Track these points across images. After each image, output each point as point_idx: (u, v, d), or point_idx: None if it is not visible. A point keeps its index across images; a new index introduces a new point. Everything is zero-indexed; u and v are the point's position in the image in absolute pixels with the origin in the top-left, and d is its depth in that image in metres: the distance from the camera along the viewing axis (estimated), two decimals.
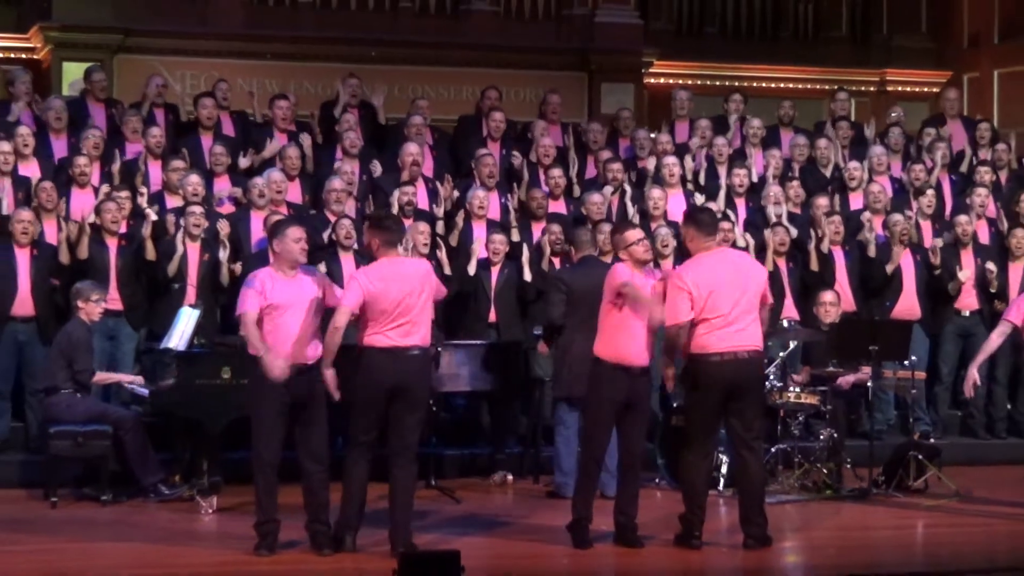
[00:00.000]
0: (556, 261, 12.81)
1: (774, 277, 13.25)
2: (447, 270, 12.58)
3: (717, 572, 9.24)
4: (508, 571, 8.73)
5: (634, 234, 9.72)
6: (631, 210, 13.57)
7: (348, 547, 9.09)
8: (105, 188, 12.79)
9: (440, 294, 9.58)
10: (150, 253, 12.19)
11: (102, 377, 11.55)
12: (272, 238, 9.35)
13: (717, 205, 13.74)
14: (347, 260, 12.62)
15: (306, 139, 13.89)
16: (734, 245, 13.30)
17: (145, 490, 11.18)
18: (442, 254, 12.72)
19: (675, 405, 12.30)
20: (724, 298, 9.38)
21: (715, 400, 9.43)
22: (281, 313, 8.97)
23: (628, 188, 13.95)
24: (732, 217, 13.78)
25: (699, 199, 13.88)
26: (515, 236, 13.17)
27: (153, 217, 12.31)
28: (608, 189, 13.73)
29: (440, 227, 13.20)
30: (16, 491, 11.70)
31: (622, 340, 9.46)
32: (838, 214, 13.94)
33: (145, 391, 11.49)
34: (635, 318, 9.38)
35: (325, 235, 12.71)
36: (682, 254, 12.58)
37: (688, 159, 14.52)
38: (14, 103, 14.26)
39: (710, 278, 9.37)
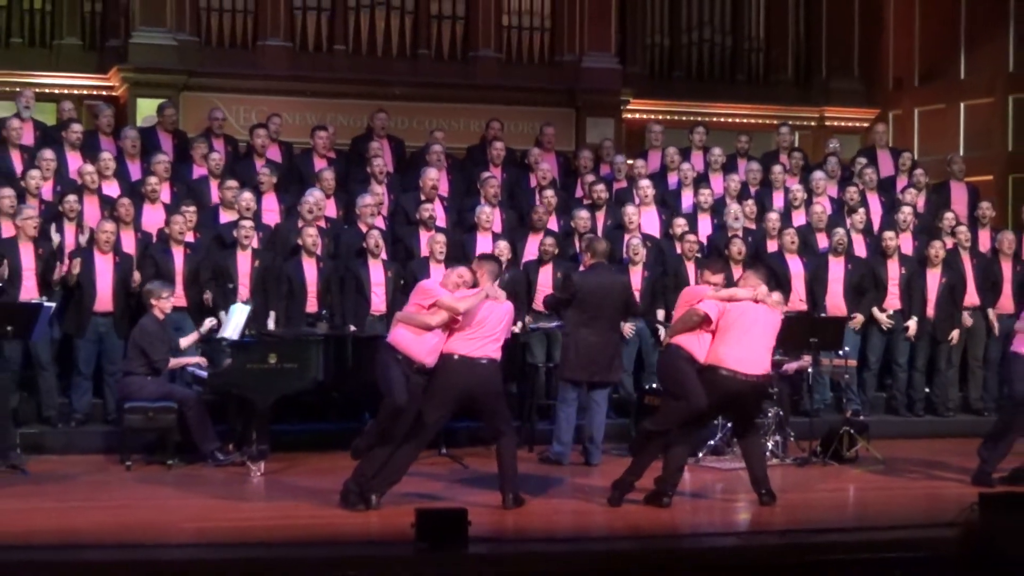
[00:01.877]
0: (550, 266, 12.81)
1: (731, 283, 13.35)
2: None
3: (683, 526, 9.23)
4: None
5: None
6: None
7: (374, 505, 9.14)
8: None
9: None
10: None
11: (173, 362, 11.57)
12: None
13: (683, 221, 13.77)
14: (375, 265, 12.64)
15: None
16: (699, 254, 13.36)
17: (204, 456, 11.18)
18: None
19: (647, 388, 12.39)
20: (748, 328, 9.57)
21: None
22: None
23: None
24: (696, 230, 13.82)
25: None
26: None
27: None
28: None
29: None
30: (96, 457, 11.70)
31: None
32: (792, 228, 13.96)
33: (205, 373, 11.52)
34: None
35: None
36: (648, 264, 12.80)
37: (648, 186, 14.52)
38: (100, 133, 14.33)
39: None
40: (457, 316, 9.23)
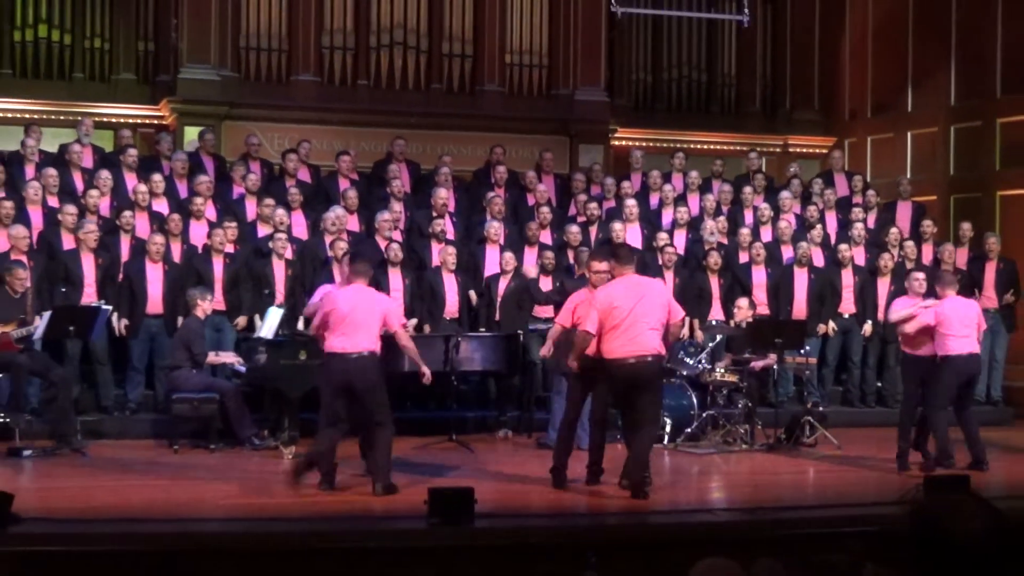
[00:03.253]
0: (550, 278, 12.79)
1: (705, 290, 13.37)
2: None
3: (663, 504, 9.22)
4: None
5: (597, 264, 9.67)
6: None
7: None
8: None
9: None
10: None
11: (213, 359, 11.57)
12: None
13: (664, 235, 13.78)
14: (394, 274, 12.64)
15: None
16: (678, 265, 13.38)
17: (242, 441, 11.20)
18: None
19: None
20: (626, 312, 9.01)
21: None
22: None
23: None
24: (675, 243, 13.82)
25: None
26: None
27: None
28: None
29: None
30: (147, 441, 11.74)
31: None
32: (759, 241, 13.97)
33: (243, 368, 11.53)
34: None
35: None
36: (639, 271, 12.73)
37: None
38: (162, 158, 14.36)
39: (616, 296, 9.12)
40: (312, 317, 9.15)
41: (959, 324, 10.37)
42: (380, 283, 12.42)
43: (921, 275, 11.17)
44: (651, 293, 9.22)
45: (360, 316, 9.06)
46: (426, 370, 9.57)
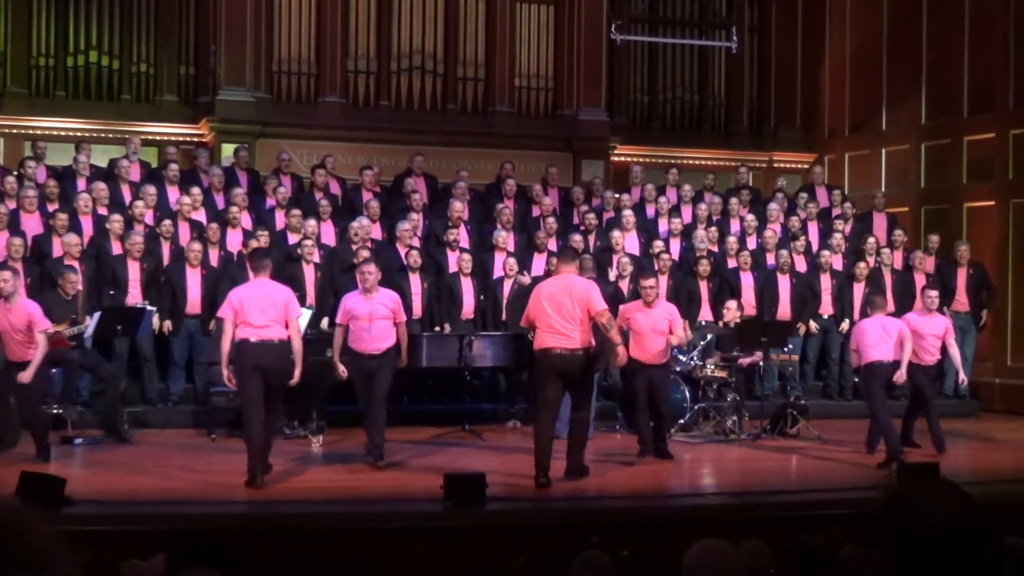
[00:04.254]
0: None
1: (695, 293, 13.36)
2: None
3: (658, 488, 9.22)
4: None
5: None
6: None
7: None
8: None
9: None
10: None
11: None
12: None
13: (660, 243, 13.77)
14: (413, 278, 12.65)
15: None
16: (672, 270, 13.37)
17: (275, 431, 11.20)
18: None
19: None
20: (553, 307, 8.87)
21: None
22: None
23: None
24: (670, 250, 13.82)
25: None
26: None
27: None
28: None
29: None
30: (187, 430, 11.76)
31: None
32: (746, 249, 13.96)
33: None
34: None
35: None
36: (633, 276, 12.73)
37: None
38: (200, 172, 14.41)
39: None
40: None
41: (876, 337, 10.59)
42: (401, 286, 12.46)
43: (934, 293, 11.46)
44: (574, 289, 8.98)
45: (263, 306, 8.88)
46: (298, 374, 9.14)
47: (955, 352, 11.30)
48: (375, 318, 9.61)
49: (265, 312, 8.85)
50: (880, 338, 10.60)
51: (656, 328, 10.41)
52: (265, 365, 8.81)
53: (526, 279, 12.57)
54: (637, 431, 10.56)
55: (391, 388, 9.88)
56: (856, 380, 13.87)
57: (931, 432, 10.85)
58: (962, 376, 11.87)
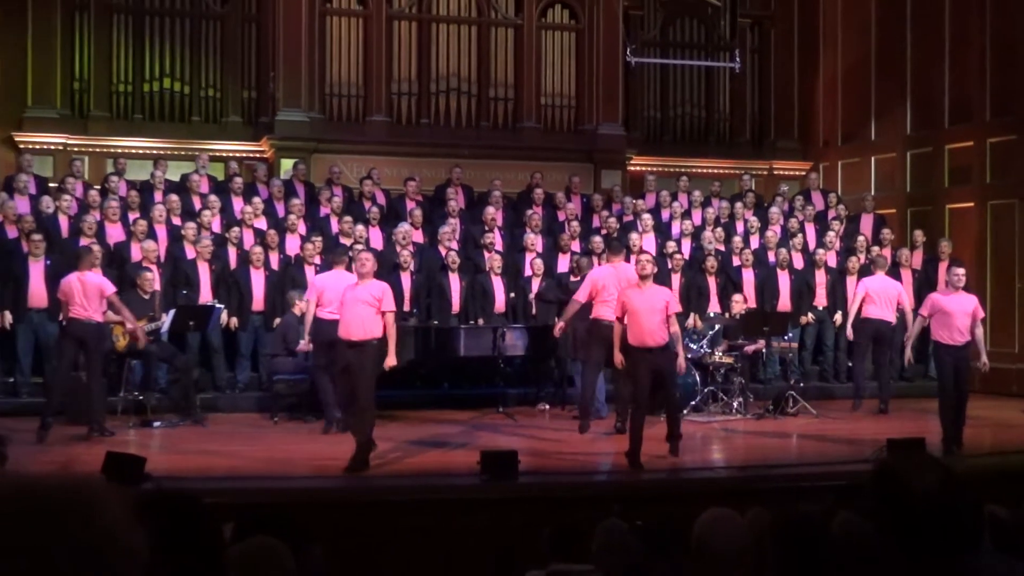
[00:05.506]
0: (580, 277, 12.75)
1: (704, 288, 13.31)
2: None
3: (672, 463, 9.20)
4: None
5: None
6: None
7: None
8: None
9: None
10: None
11: (304, 347, 11.57)
12: None
13: (672, 243, 13.73)
14: (453, 277, 12.68)
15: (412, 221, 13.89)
16: (684, 267, 13.33)
17: (329, 414, 11.21)
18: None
19: None
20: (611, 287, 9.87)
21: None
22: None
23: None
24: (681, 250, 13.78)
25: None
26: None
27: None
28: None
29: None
30: (252, 414, 11.81)
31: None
32: (749, 248, 13.90)
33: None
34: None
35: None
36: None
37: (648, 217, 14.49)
38: (258, 183, 14.48)
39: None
40: None
41: (878, 297, 11.10)
42: (443, 285, 12.48)
43: (961, 270, 9.85)
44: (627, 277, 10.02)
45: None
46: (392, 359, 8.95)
47: (979, 333, 9.76)
48: (358, 302, 8.68)
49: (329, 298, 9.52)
50: (883, 299, 10.81)
51: (652, 307, 9.04)
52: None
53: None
54: (620, 407, 10.30)
55: (374, 391, 8.82)
56: (850, 364, 13.87)
57: (954, 421, 9.69)
58: (984, 360, 10.09)
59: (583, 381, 10.53)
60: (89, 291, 9.75)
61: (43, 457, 8.79)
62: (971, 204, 15.36)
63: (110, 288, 10.00)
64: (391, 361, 8.85)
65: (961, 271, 9.83)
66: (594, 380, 10.33)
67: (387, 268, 12.71)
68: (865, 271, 13.30)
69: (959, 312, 9.62)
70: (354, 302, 8.71)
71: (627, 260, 11.06)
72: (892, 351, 12.37)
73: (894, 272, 13.86)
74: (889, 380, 12.09)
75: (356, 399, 8.69)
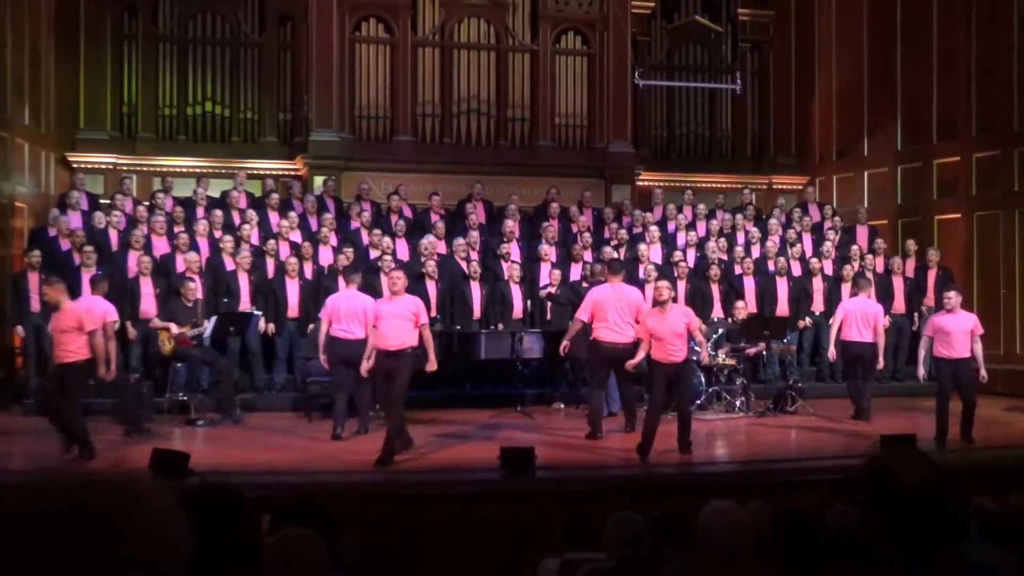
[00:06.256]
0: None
1: (708, 295, 13.27)
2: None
3: (678, 458, 9.17)
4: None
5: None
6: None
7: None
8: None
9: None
10: None
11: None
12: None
13: (678, 253, 13.70)
14: (474, 285, 12.67)
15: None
16: (689, 275, 13.29)
17: (362, 414, 11.21)
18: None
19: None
20: (609, 309, 9.69)
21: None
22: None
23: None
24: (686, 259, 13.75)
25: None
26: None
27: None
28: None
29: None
30: (288, 414, 11.83)
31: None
32: (750, 257, 13.87)
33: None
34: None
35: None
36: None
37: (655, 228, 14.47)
38: (293, 199, 14.51)
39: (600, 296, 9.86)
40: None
41: (856, 320, 11.04)
42: (465, 293, 12.48)
43: (952, 293, 9.91)
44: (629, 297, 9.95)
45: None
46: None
47: (978, 348, 9.88)
48: (395, 316, 8.93)
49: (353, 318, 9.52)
50: (863, 322, 10.78)
51: (675, 331, 9.08)
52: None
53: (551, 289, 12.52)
54: (628, 410, 10.30)
55: (406, 392, 9.07)
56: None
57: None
58: (983, 373, 10.00)
59: (589, 398, 10.20)
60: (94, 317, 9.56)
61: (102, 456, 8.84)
62: (958, 215, 15.29)
63: (111, 316, 9.52)
64: (432, 366, 9.20)
65: (952, 294, 9.87)
66: (599, 398, 10.05)
67: (413, 277, 12.74)
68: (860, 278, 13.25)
69: (957, 331, 9.85)
70: (390, 316, 8.98)
71: (627, 280, 11.06)
72: (875, 368, 11.88)
73: (886, 279, 13.83)
74: (870, 394, 11.51)
75: (392, 399, 8.93)
